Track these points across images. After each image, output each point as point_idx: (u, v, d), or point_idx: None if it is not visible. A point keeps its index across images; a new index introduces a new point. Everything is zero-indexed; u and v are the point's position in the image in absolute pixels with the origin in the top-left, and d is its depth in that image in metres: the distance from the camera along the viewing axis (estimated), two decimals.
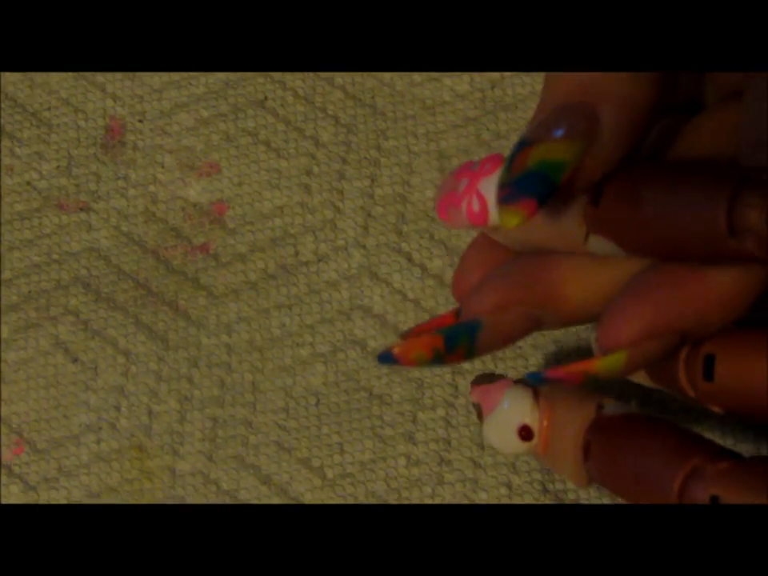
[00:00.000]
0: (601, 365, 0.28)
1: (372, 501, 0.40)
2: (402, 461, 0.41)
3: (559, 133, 0.27)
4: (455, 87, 0.46)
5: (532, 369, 0.42)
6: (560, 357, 0.41)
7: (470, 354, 0.29)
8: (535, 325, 0.30)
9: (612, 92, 0.28)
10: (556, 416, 0.31)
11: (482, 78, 0.46)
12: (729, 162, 0.27)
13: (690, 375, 0.29)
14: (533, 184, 0.27)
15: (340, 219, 0.44)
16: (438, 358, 0.29)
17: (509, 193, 0.27)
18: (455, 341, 0.29)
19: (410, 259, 0.44)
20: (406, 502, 0.40)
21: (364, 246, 0.44)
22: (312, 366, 0.42)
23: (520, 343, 0.41)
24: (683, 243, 0.26)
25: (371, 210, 0.44)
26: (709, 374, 0.28)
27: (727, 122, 0.30)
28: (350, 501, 0.40)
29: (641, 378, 0.32)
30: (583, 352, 0.40)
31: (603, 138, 0.27)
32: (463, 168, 0.30)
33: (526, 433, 0.31)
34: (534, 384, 0.29)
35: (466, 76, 0.46)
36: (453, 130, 0.45)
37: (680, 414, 0.39)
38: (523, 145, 0.28)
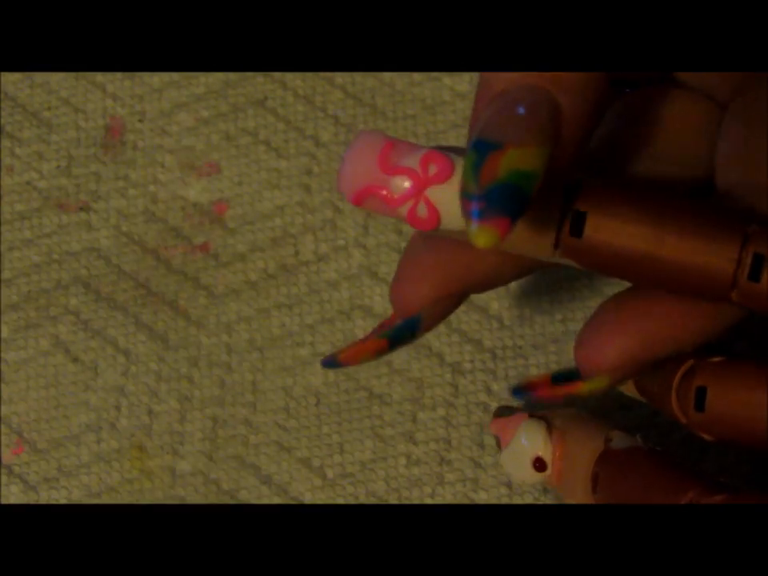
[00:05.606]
0: (585, 388, 0.29)
1: (372, 501, 0.40)
2: (402, 460, 0.41)
3: (525, 130, 0.25)
4: (455, 87, 0.46)
5: (532, 368, 0.42)
6: (560, 356, 0.41)
7: (411, 342, 0.30)
8: (465, 299, 0.31)
9: (570, 80, 0.26)
10: (567, 448, 0.33)
11: None
12: (729, 204, 0.27)
13: (681, 405, 0.30)
14: (506, 199, 0.24)
15: (340, 219, 0.44)
16: (382, 355, 0.30)
17: (479, 208, 0.25)
18: (398, 340, 0.30)
19: None
20: (406, 501, 0.40)
21: (364, 246, 0.44)
22: (312, 366, 0.42)
23: (520, 342, 0.42)
24: (682, 285, 0.27)
25: None
26: (700, 405, 0.30)
27: (693, 125, 0.30)
28: (351, 501, 0.40)
29: (632, 392, 0.34)
30: None
31: (565, 135, 0.26)
32: (392, 154, 0.26)
33: (540, 464, 0.33)
34: (518, 398, 0.30)
35: (465, 76, 0.46)
36: (453, 129, 0.45)
37: (682, 444, 0.39)
38: (490, 147, 0.25)
